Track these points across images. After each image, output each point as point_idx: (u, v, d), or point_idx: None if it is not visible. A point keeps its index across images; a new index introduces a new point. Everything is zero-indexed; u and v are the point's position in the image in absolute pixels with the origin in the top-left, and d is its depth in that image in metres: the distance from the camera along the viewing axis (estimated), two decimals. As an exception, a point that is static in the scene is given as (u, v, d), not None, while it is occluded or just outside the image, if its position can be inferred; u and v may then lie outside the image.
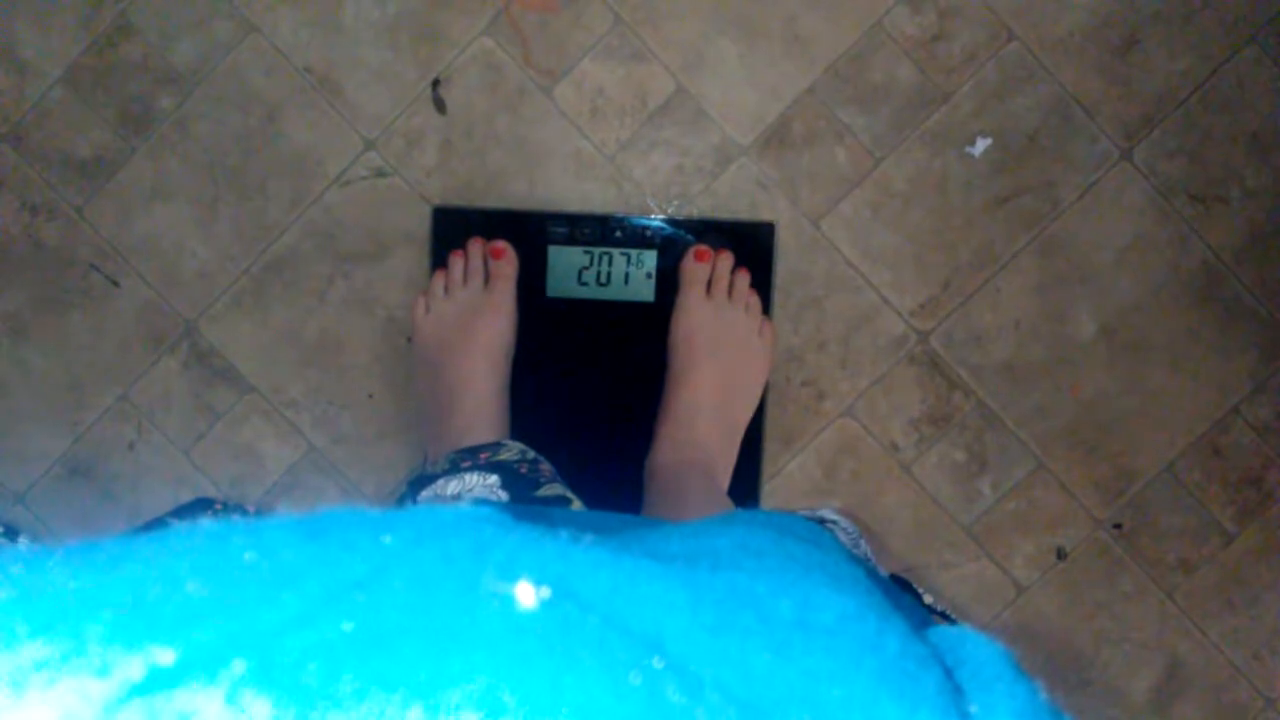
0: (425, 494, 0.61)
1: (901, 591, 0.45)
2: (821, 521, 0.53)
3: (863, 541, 0.54)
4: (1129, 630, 1.00)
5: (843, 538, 0.52)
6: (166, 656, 0.18)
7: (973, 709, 0.24)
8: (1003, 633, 1.00)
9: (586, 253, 0.93)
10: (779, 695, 0.22)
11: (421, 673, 0.18)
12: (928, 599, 0.53)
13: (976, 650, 0.27)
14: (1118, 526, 0.98)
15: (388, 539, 0.22)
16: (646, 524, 0.45)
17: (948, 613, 0.53)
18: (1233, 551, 0.99)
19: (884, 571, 0.54)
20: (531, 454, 0.69)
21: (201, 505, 0.58)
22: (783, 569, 0.29)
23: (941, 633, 0.28)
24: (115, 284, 0.96)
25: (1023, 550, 0.98)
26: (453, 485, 0.60)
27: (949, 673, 0.25)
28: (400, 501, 0.62)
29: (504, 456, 0.68)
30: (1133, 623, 0.99)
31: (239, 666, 0.18)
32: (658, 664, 0.20)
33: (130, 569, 0.20)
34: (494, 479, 0.62)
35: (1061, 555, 0.98)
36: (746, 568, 0.28)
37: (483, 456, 0.67)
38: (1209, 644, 1.00)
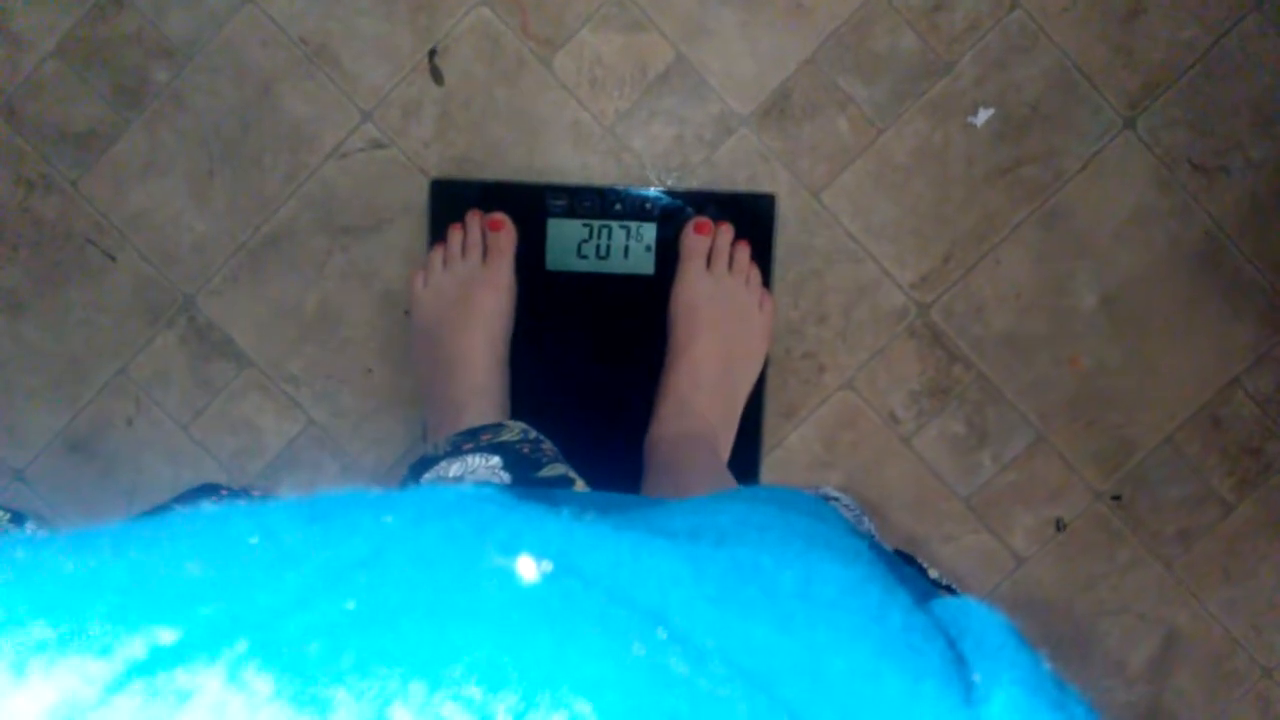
0: (428, 476, 0.61)
1: (905, 564, 0.45)
2: (824, 499, 0.53)
3: (866, 519, 0.54)
4: (1128, 601, 1.00)
5: (845, 514, 0.52)
6: (168, 636, 0.18)
7: (976, 678, 0.24)
8: (1002, 604, 1.00)
9: (586, 225, 0.92)
10: (782, 666, 0.22)
11: (423, 647, 0.18)
12: (933, 573, 0.53)
13: (979, 620, 0.27)
14: (1117, 498, 0.98)
15: (389, 519, 0.22)
16: (650, 502, 0.45)
17: (953, 586, 0.53)
18: (1232, 522, 0.99)
19: (888, 546, 0.54)
20: (533, 434, 0.69)
21: (206, 491, 0.58)
22: (785, 542, 0.29)
23: (944, 604, 0.28)
24: (112, 258, 0.95)
25: (1022, 522, 0.99)
26: (455, 467, 0.60)
27: (952, 643, 0.26)
28: (402, 484, 0.62)
29: (506, 437, 0.67)
30: (1131, 594, 1.00)
31: (241, 645, 0.17)
32: (661, 635, 0.20)
33: (131, 552, 0.20)
34: (496, 460, 0.62)
35: (1061, 527, 0.99)
36: (749, 541, 0.28)
37: (484, 438, 0.67)
38: (1207, 614, 1.00)
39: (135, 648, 0.17)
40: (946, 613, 0.28)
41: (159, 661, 0.17)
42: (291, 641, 0.18)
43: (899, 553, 0.55)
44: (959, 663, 0.25)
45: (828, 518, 0.36)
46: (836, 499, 0.57)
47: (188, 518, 0.23)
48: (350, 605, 0.19)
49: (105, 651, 0.17)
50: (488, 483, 0.58)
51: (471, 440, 0.67)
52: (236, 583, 0.19)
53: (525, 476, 0.62)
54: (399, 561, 0.21)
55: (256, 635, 0.18)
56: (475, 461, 0.62)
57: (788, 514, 0.32)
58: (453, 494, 0.25)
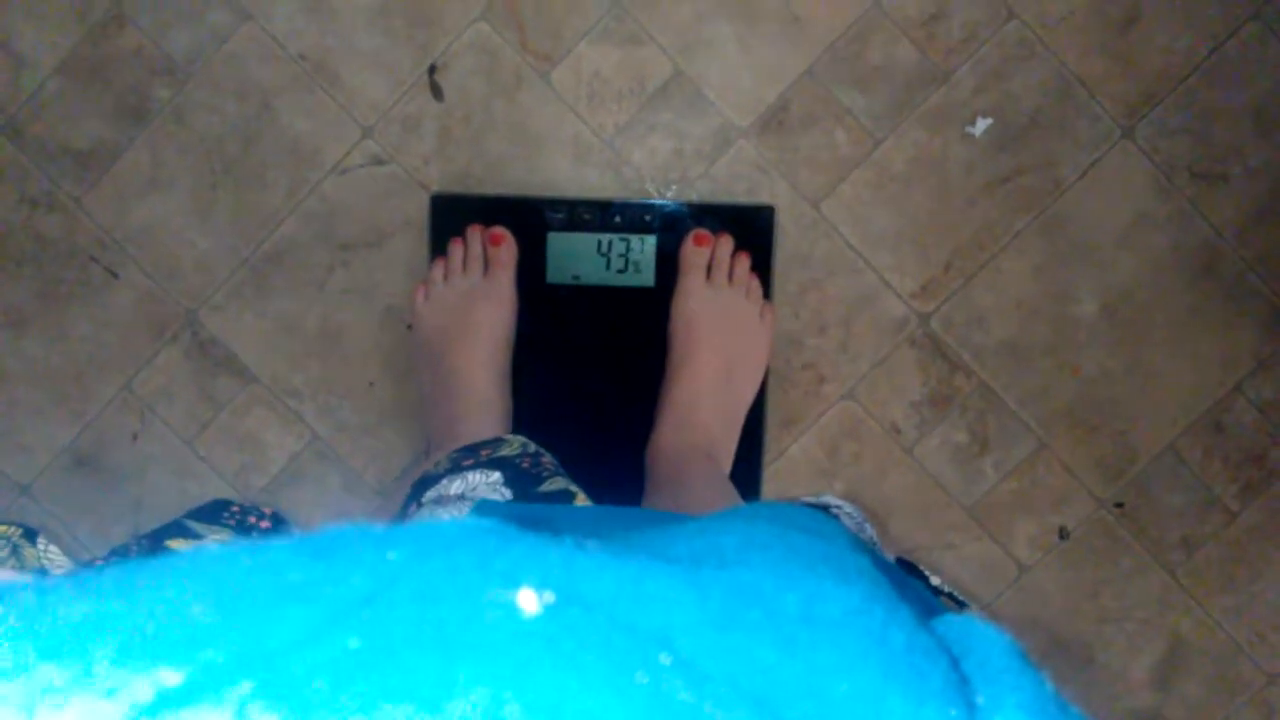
0: (430, 494, 0.61)
1: (907, 576, 0.45)
2: (825, 509, 0.53)
3: (868, 526, 0.54)
4: (1131, 608, 1.00)
5: (848, 524, 0.52)
6: (174, 678, 0.18)
7: (979, 700, 0.24)
8: (1005, 612, 1.00)
9: (586, 239, 0.93)
10: (786, 690, 0.22)
11: (427, 684, 0.18)
12: (935, 580, 0.53)
13: (983, 640, 0.27)
14: (1120, 505, 0.98)
15: (392, 555, 0.22)
16: (652, 521, 0.45)
17: (955, 594, 0.53)
18: (1235, 529, 0.99)
19: (889, 556, 0.54)
20: (533, 447, 0.70)
21: (219, 506, 0.58)
22: (787, 562, 0.29)
23: (948, 622, 0.28)
24: (115, 275, 0.96)
25: (1025, 530, 0.99)
26: (456, 485, 0.60)
27: (955, 663, 0.26)
28: (405, 503, 0.62)
29: (505, 452, 0.68)
30: (1135, 601, 1.00)
31: (246, 686, 0.18)
32: (664, 660, 0.20)
33: (137, 593, 0.21)
34: (496, 476, 0.62)
35: (1064, 535, 0.99)
36: (752, 563, 0.28)
37: (484, 454, 0.67)
38: (1211, 621, 1.00)
39: (141, 690, 0.18)
40: (950, 631, 0.28)
41: (165, 703, 0.17)
42: (296, 680, 0.18)
43: (901, 561, 0.55)
44: (962, 684, 0.25)
45: (830, 534, 0.36)
46: (839, 507, 0.57)
47: (192, 558, 0.23)
48: (354, 643, 0.19)
49: (111, 694, 0.17)
50: (489, 500, 0.57)
51: (471, 456, 0.68)
52: (241, 622, 0.20)
53: (526, 492, 0.62)
54: (402, 597, 0.21)
55: (261, 675, 0.18)
56: (476, 478, 0.62)
57: (789, 533, 0.32)
58: (454, 527, 0.25)
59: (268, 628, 0.20)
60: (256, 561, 0.22)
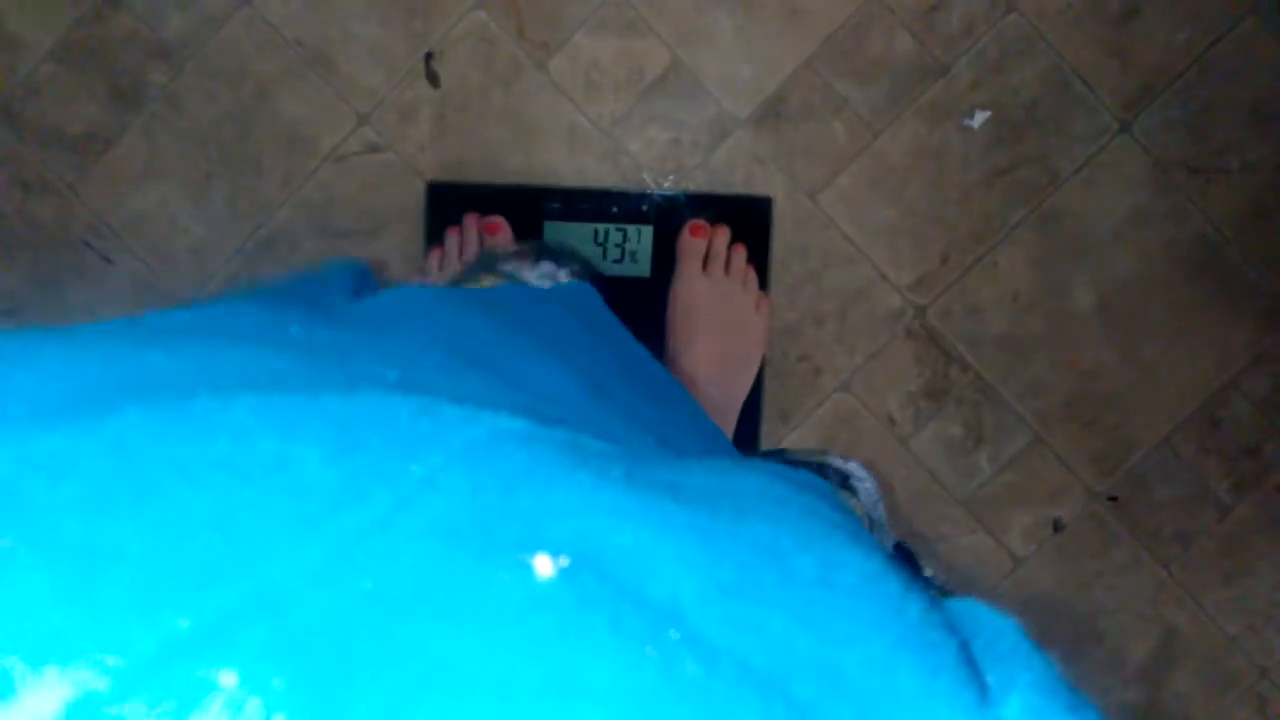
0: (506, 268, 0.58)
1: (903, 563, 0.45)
2: (847, 478, 0.52)
3: (880, 506, 0.54)
4: (1125, 601, 1.00)
5: (865, 499, 0.51)
6: (184, 623, 0.17)
7: (989, 679, 0.24)
8: (999, 604, 1.00)
9: (582, 228, 0.92)
10: (796, 661, 0.21)
11: (436, 651, 0.18)
12: (927, 572, 0.53)
13: (991, 623, 0.27)
14: (1114, 499, 0.98)
15: (415, 468, 0.22)
16: (674, 424, 0.43)
17: (944, 587, 0.53)
18: (1229, 523, 0.99)
19: (891, 537, 0.54)
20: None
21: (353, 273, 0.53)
22: (805, 520, 0.28)
23: (955, 603, 0.28)
24: (109, 261, 0.95)
25: (1019, 523, 0.99)
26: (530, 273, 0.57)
27: (965, 643, 0.25)
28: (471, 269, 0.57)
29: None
30: (1129, 594, 1.00)
31: (257, 634, 0.17)
32: (674, 635, 0.20)
33: (147, 509, 0.20)
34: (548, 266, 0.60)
35: (1058, 527, 0.99)
36: (769, 516, 0.27)
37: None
38: (1204, 615, 1.00)
39: (149, 640, 0.17)
40: (957, 613, 0.27)
41: (174, 654, 0.17)
42: (308, 631, 0.18)
43: (898, 547, 0.55)
44: (972, 663, 0.24)
45: (842, 508, 0.36)
46: (861, 480, 0.56)
47: (209, 413, 0.22)
48: (368, 585, 0.19)
49: (121, 646, 0.17)
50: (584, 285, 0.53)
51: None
52: (254, 555, 0.19)
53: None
54: (418, 528, 0.20)
55: (273, 624, 0.18)
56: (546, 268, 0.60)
57: (807, 493, 0.32)
58: (484, 434, 0.24)
59: (281, 560, 0.19)
60: (275, 438, 0.21)
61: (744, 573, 0.23)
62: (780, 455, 0.56)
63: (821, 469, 0.53)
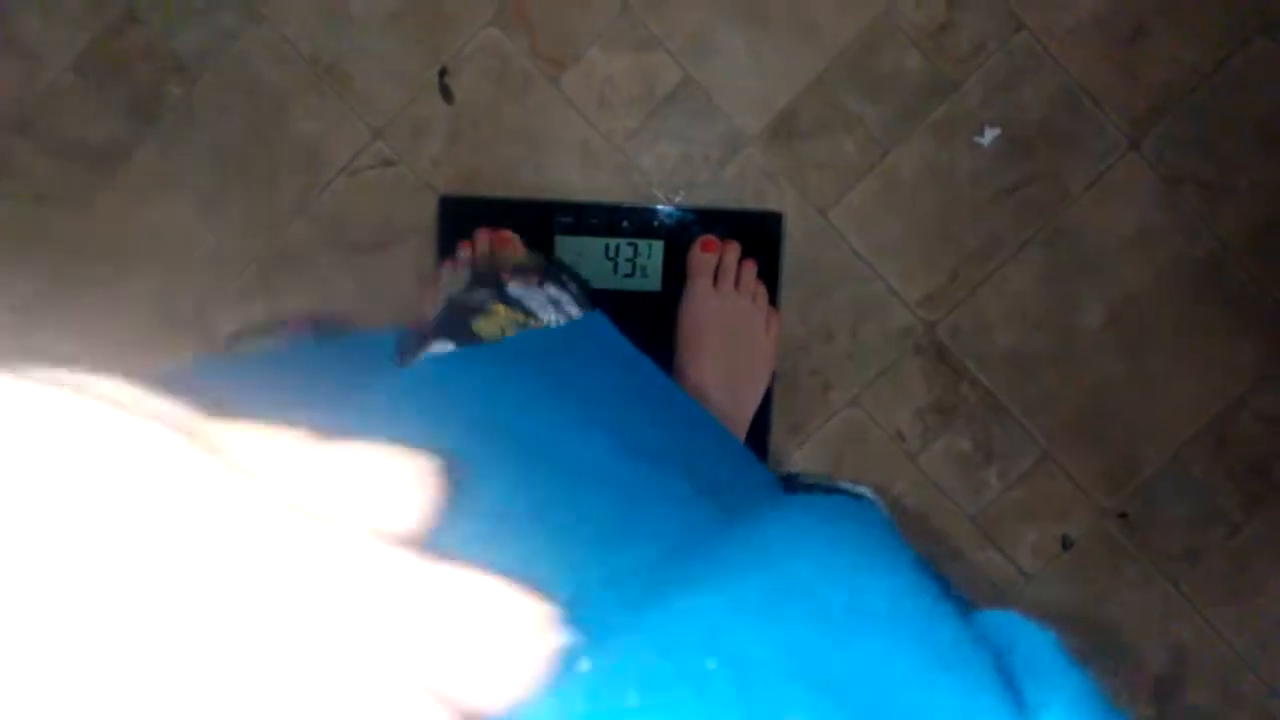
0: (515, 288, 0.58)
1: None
2: (859, 497, 0.53)
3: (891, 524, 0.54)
4: (1134, 618, 1.00)
5: None
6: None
7: (1027, 695, 0.24)
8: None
9: (593, 242, 0.93)
10: (842, 675, 0.22)
11: None
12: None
13: (1028, 637, 0.26)
14: (1123, 516, 0.98)
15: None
16: (701, 456, 0.44)
17: (964, 599, 0.52)
18: (1238, 541, 0.99)
19: None
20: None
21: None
22: (831, 554, 0.28)
23: (990, 617, 0.28)
24: (124, 273, 0.96)
25: (1028, 539, 0.99)
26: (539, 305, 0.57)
27: (999, 657, 0.25)
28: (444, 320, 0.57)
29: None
30: (1138, 611, 1.00)
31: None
32: (711, 666, 0.20)
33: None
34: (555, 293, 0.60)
35: (1067, 544, 0.99)
36: (798, 552, 0.27)
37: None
38: (1214, 633, 1.00)
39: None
40: (992, 626, 0.27)
41: None
42: None
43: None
44: (1009, 678, 0.24)
45: (873, 520, 0.36)
46: (874, 502, 0.56)
47: None
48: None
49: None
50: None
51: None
52: None
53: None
54: None
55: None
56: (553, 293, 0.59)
57: (831, 523, 0.32)
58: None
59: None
60: None
61: (774, 605, 0.24)
62: (793, 480, 0.56)
63: (833, 488, 0.53)
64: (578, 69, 0.92)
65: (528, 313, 0.52)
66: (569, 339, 0.49)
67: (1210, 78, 0.92)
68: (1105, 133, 0.93)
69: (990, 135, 0.93)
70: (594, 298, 0.92)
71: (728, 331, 0.91)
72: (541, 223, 0.93)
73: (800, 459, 0.98)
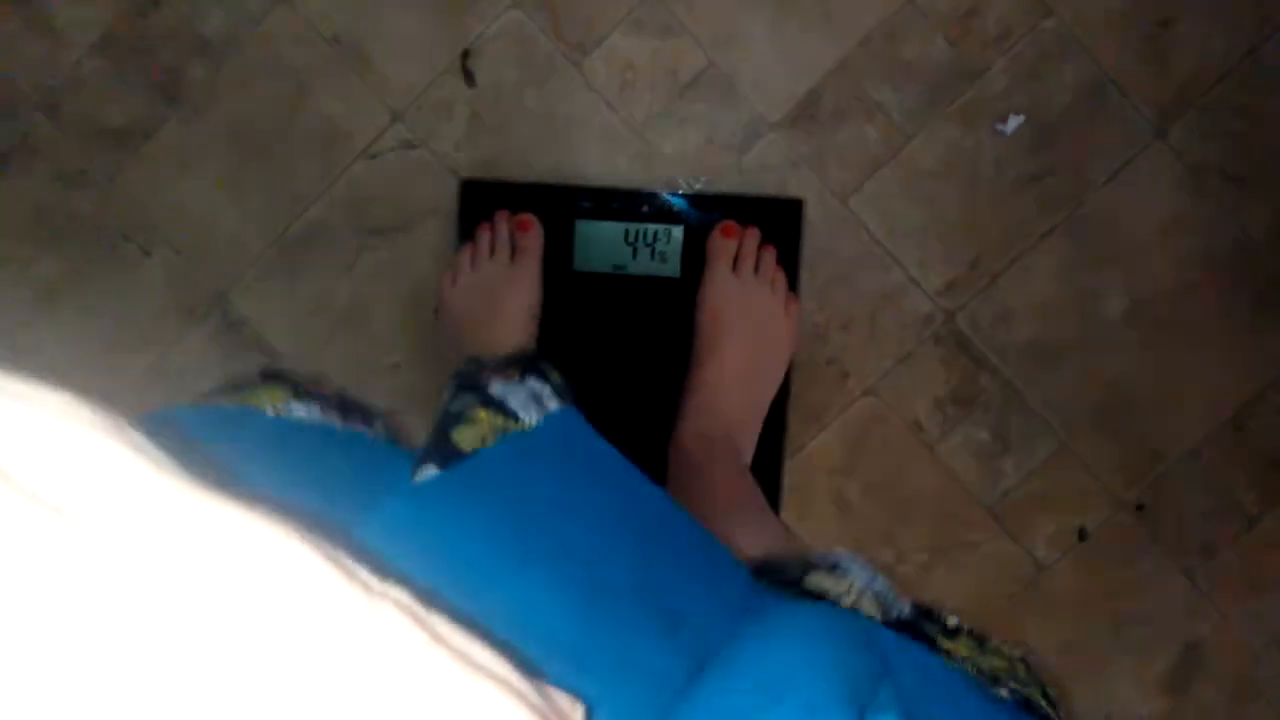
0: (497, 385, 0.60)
1: (911, 641, 0.45)
2: (834, 566, 0.53)
3: (879, 579, 0.54)
4: (1149, 611, 1.00)
5: (861, 578, 0.51)
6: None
7: None
8: (1021, 612, 1.00)
9: (613, 227, 0.93)
10: None
11: None
12: (952, 621, 0.52)
13: None
14: (1140, 508, 0.98)
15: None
16: (679, 593, 0.45)
17: (974, 630, 0.52)
18: (1255, 535, 0.98)
19: (903, 604, 0.54)
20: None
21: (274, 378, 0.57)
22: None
23: None
24: (147, 253, 0.97)
25: (1044, 530, 0.99)
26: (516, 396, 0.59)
27: None
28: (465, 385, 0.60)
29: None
30: (1153, 604, 1.00)
31: None
32: None
33: None
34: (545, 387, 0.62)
35: (1083, 536, 0.99)
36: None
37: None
38: (1229, 626, 1.00)
39: None
40: None
41: None
42: None
43: (916, 607, 0.54)
44: None
45: (840, 644, 0.38)
46: (851, 561, 0.56)
47: None
48: None
49: None
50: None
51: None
52: None
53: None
54: None
55: None
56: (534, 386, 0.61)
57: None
58: None
59: None
60: None
61: None
62: (764, 566, 0.56)
63: (806, 567, 0.54)
64: (600, 53, 0.92)
65: (508, 415, 0.54)
66: (540, 444, 0.50)
67: (1238, 67, 0.91)
68: (1131, 122, 0.92)
69: (1014, 123, 0.92)
70: (612, 293, 0.92)
71: (747, 318, 0.91)
72: (562, 207, 0.93)
73: (817, 446, 0.98)
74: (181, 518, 0.18)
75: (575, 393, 0.68)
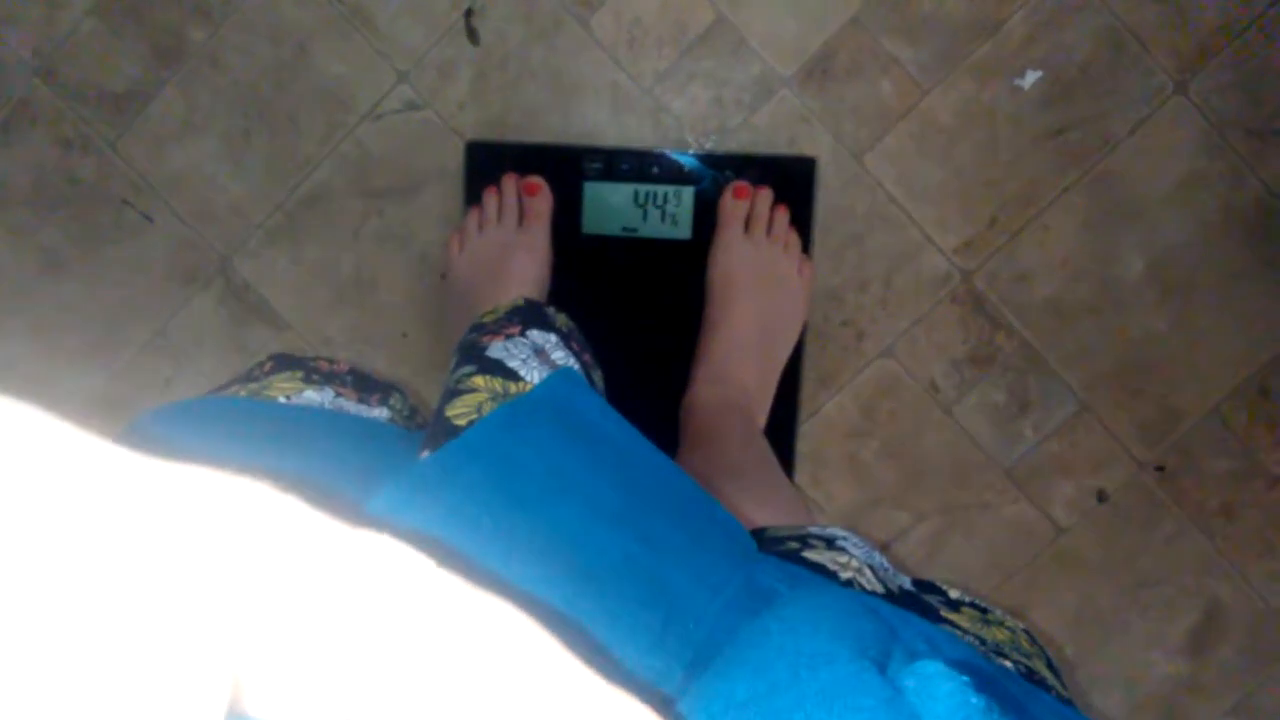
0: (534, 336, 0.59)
1: (908, 613, 0.43)
2: (831, 541, 0.51)
3: (877, 554, 0.52)
4: (1169, 573, 0.99)
5: (858, 553, 0.50)
6: None
7: None
8: (1040, 575, 0.99)
9: (622, 189, 0.91)
10: None
11: None
12: (954, 594, 0.51)
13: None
14: (1160, 469, 0.97)
15: None
16: (676, 555, 0.44)
17: (978, 603, 0.51)
18: (1276, 495, 0.97)
19: (903, 578, 0.53)
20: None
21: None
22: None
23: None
24: (149, 219, 0.95)
25: (1063, 492, 0.97)
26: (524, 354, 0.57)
27: None
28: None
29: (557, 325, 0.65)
30: (1173, 565, 0.98)
31: None
32: None
33: None
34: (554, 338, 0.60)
35: (1102, 498, 0.97)
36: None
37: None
38: (1249, 588, 0.99)
39: None
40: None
41: None
42: None
43: (917, 582, 0.53)
44: None
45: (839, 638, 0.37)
46: (848, 538, 0.55)
47: None
48: None
49: None
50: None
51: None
52: None
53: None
54: None
55: None
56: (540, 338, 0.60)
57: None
58: None
59: None
60: None
61: None
62: (759, 535, 0.55)
63: (805, 541, 0.52)
64: (607, 9, 0.90)
65: (508, 375, 0.52)
66: (533, 413, 0.48)
67: (1260, 19, 0.89)
68: (1151, 76, 0.90)
69: (1032, 78, 0.90)
70: (622, 256, 0.90)
71: (759, 280, 0.89)
72: (570, 168, 0.91)
73: (832, 409, 0.96)
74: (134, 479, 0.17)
75: (583, 334, 0.66)
